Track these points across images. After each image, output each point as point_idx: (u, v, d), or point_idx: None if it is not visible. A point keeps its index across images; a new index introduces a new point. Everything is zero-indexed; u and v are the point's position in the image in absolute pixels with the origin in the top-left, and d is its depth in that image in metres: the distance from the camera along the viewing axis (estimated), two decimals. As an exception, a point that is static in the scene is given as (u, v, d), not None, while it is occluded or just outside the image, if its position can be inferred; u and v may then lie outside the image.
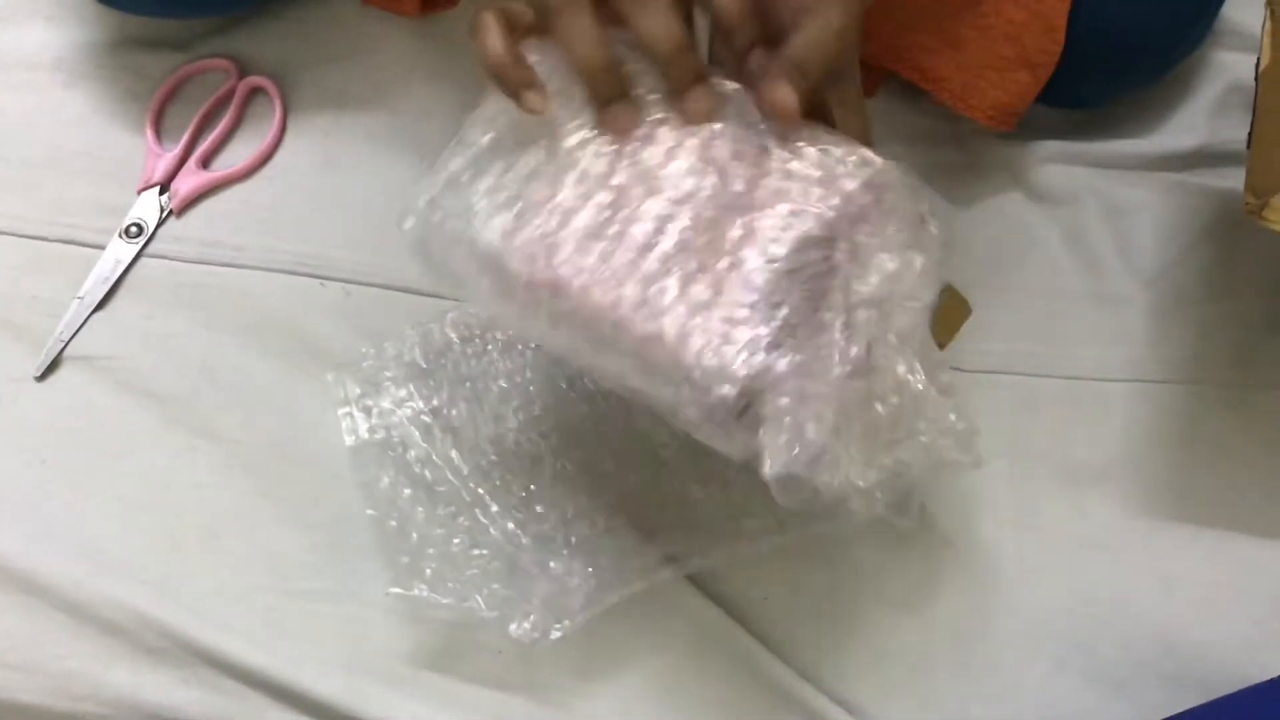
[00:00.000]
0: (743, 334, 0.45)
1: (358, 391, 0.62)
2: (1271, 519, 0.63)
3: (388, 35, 0.72)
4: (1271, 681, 0.52)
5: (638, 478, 0.61)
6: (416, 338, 0.63)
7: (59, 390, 0.64)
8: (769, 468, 0.45)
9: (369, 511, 0.59)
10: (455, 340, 0.63)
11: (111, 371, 0.64)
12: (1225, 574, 0.62)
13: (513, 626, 0.56)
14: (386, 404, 0.62)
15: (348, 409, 0.62)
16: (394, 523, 0.59)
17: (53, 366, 0.64)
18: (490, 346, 0.63)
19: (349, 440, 0.61)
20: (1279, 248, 0.53)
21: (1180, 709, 0.54)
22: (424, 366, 0.63)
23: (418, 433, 0.61)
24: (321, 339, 0.65)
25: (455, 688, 0.58)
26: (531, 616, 0.56)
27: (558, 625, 0.56)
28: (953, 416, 0.53)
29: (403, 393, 0.62)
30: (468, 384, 0.62)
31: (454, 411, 0.62)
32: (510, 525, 0.59)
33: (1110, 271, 0.69)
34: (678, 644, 0.59)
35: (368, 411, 0.62)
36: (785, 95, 0.46)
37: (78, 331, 0.65)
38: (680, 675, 0.59)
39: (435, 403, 0.62)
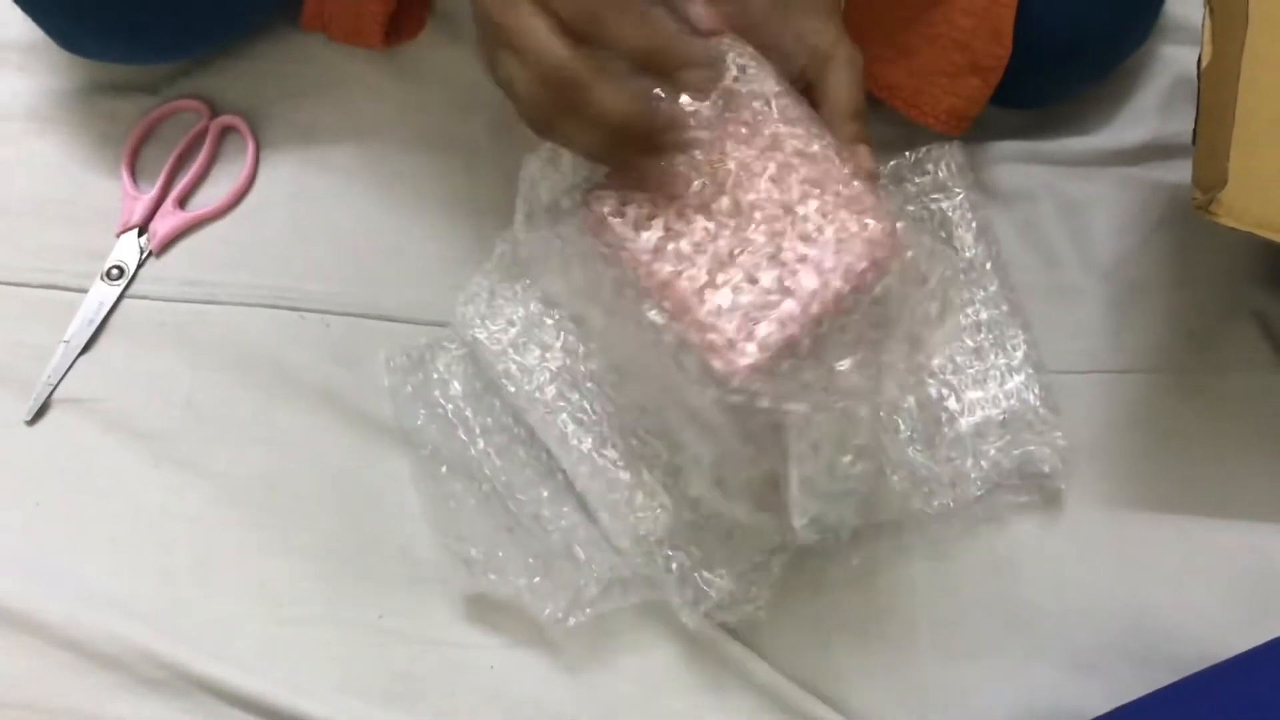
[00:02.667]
0: (764, 329, 0.46)
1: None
2: (1232, 500, 0.65)
3: (354, 69, 0.73)
4: (1237, 658, 0.53)
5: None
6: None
7: (49, 433, 0.65)
8: (797, 519, 0.48)
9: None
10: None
11: (99, 413, 0.65)
12: (1190, 556, 0.64)
13: (547, 610, 0.57)
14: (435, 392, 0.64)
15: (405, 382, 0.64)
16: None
17: (42, 410, 0.65)
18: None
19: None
20: (1229, 237, 0.54)
21: (1151, 688, 0.56)
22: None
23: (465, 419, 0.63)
24: (303, 370, 0.66)
25: (449, 705, 0.60)
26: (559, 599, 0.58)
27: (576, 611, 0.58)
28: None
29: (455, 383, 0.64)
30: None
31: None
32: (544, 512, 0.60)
33: (1067, 266, 0.71)
34: (665, 651, 0.61)
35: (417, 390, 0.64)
36: (867, 160, 0.50)
37: (65, 375, 0.66)
38: (668, 681, 0.60)
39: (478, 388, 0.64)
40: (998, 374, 0.65)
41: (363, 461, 0.64)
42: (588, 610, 0.58)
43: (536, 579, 0.57)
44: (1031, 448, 0.63)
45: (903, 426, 0.62)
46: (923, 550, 0.64)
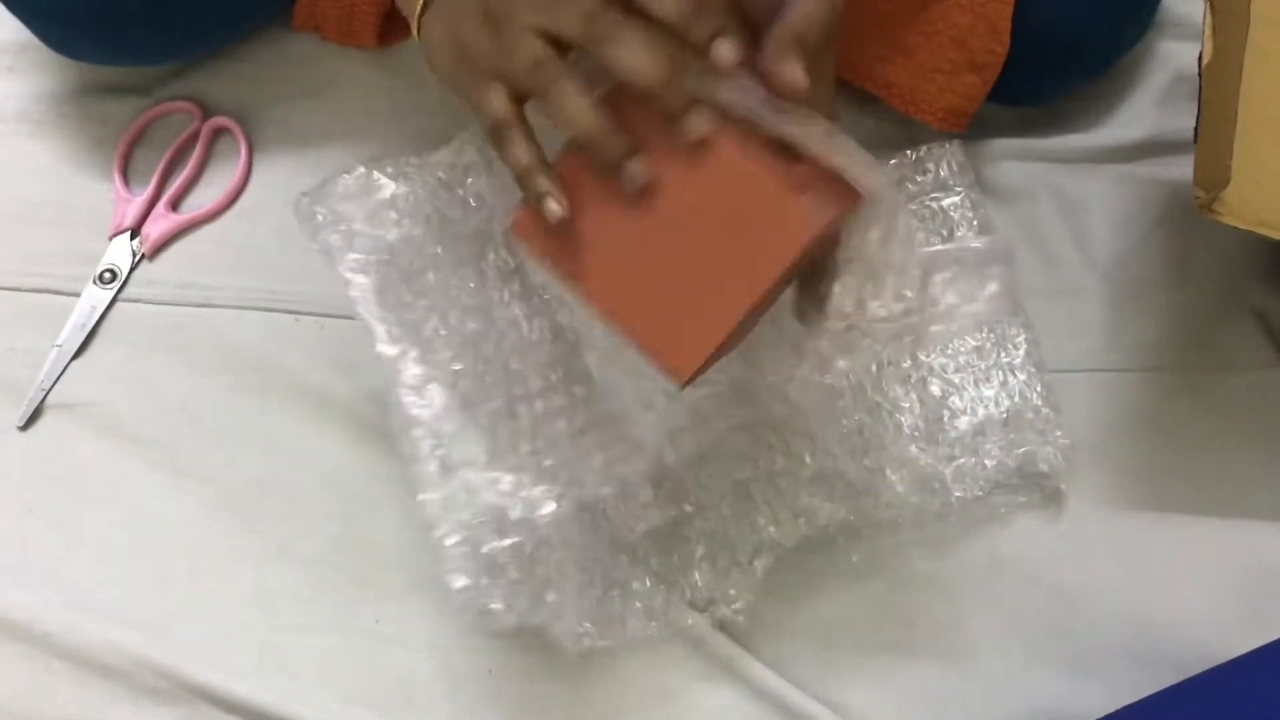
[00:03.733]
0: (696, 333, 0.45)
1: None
2: (1234, 500, 0.65)
3: (347, 69, 0.73)
4: (1239, 659, 0.53)
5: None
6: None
7: (42, 439, 0.65)
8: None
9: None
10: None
11: (93, 418, 0.65)
12: (1191, 556, 0.63)
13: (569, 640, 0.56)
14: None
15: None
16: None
17: (35, 416, 0.65)
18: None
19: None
20: (1230, 234, 0.54)
21: (1153, 690, 0.56)
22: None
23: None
24: (298, 374, 0.66)
25: (447, 710, 0.59)
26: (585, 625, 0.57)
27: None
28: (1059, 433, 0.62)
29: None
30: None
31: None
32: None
33: (1067, 264, 0.70)
34: (662, 653, 0.61)
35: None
36: (796, 74, 0.45)
37: (58, 380, 0.65)
38: (665, 684, 0.60)
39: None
40: (999, 373, 0.65)
41: (359, 465, 0.64)
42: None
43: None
44: (1033, 447, 0.63)
45: (904, 424, 0.62)
46: (922, 550, 0.63)
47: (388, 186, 0.58)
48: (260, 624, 0.61)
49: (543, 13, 0.45)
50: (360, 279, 0.57)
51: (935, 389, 0.64)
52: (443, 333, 0.57)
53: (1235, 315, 0.69)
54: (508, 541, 0.53)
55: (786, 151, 0.46)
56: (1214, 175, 0.53)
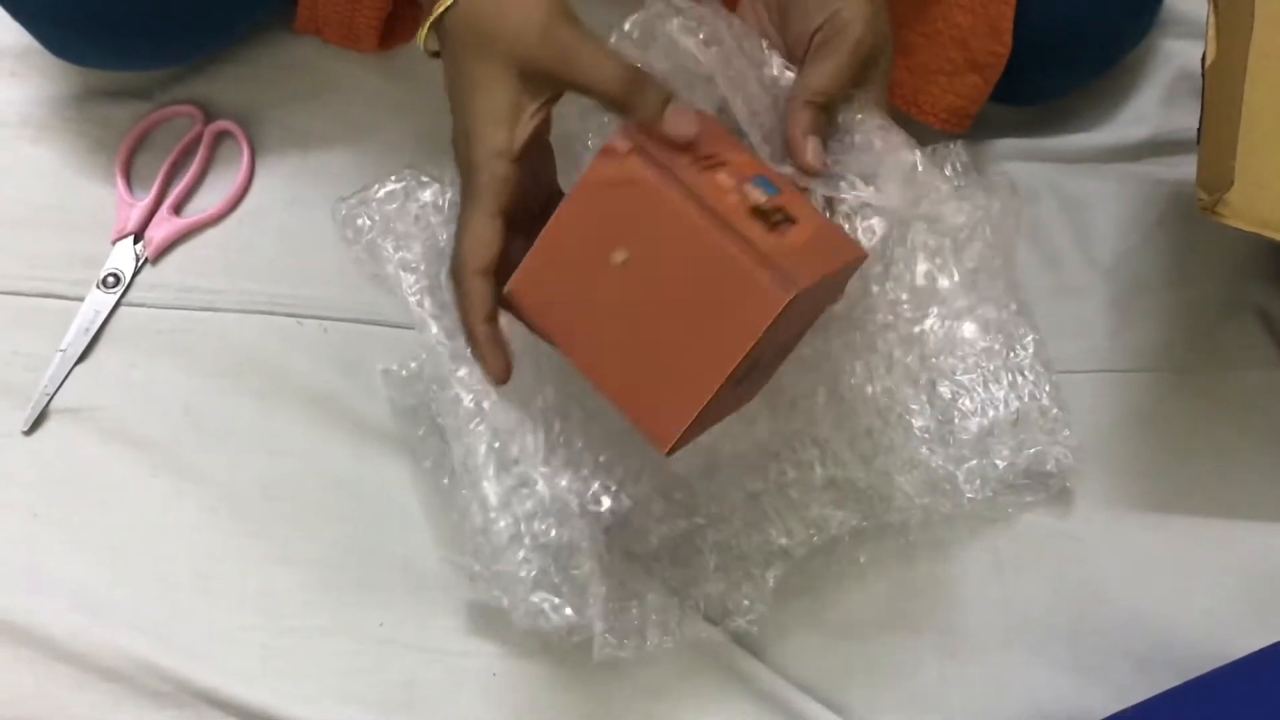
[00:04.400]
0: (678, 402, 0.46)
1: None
2: (1237, 500, 0.65)
3: (348, 72, 0.72)
4: (1242, 660, 0.53)
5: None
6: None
7: (47, 443, 0.65)
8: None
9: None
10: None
11: (97, 421, 0.65)
12: (1193, 556, 0.63)
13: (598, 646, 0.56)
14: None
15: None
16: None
17: (40, 420, 0.65)
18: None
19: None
20: (1233, 234, 0.54)
21: (1156, 690, 0.56)
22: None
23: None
24: (301, 376, 0.66)
25: (451, 714, 0.60)
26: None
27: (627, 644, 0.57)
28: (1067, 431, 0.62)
29: None
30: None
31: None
32: None
33: (1070, 264, 0.70)
34: (668, 657, 0.60)
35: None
36: (809, 156, 0.49)
37: (62, 384, 0.66)
38: (671, 688, 0.60)
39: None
40: (1008, 373, 0.64)
41: (362, 468, 0.64)
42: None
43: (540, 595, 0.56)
44: (1043, 447, 0.63)
45: (915, 426, 0.62)
46: (927, 552, 0.63)
47: (428, 188, 0.59)
48: (263, 627, 0.61)
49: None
50: (410, 278, 0.57)
51: (945, 390, 0.64)
52: None
53: (1238, 315, 0.69)
54: (566, 536, 0.53)
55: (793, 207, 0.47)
56: (1217, 176, 0.53)
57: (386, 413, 0.65)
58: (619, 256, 0.45)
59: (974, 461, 0.62)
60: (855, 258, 0.49)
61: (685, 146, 0.46)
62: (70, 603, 0.60)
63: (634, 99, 0.46)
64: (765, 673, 0.60)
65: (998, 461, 0.63)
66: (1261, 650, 0.52)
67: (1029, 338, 0.65)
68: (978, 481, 0.62)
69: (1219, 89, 0.56)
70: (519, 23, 0.46)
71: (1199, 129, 0.57)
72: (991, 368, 0.65)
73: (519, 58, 0.46)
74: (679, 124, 0.45)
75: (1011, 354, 0.65)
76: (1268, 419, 0.66)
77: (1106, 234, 0.71)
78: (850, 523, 0.60)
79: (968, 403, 0.64)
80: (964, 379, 0.64)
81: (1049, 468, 0.63)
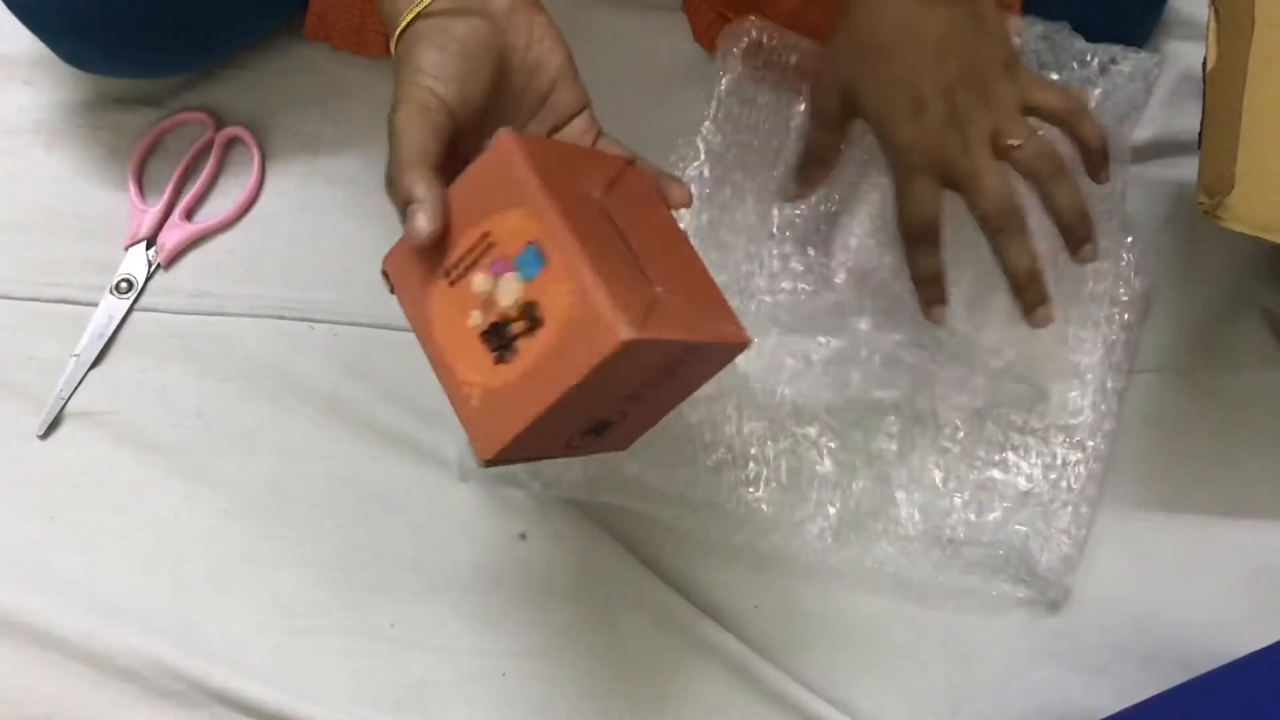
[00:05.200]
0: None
1: None
2: (1241, 499, 0.65)
3: (357, 78, 0.73)
4: (1247, 657, 0.53)
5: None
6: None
7: (62, 447, 0.66)
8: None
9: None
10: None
11: (111, 426, 0.66)
12: (1199, 554, 0.64)
13: None
14: None
15: None
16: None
17: (54, 424, 0.66)
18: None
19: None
20: (1236, 235, 0.54)
21: (1160, 688, 0.56)
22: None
23: None
24: (312, 380, 0.67)
25: (462, 714, 0.60)
26: None
27: None
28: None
29: None
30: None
31: None
32: None
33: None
34: (671, 654, 0.61)
35: None
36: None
37: (76, 389, 0.66)
38: (675, 684, 0.61)
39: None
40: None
41: (373, 470, 0.65)
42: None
43: None
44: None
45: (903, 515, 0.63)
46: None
47: None
48: (276, 627, 0.62)
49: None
50: None
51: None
52: None
53: (1242, 315, 0.69)
54: None
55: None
56: (1218, 180, 0.54)
57: (397, 415, 0.66)
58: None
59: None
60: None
61: (432, 247, 0.44)
62: (85, 604, 0.61)
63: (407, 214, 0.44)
64: (773, 673, 0.60)
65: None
66: (1265, 648, 0.53)
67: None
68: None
69: (1220, 93, 0.56)
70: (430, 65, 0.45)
71: (1200, 132, 0.58)
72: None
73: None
74: (418, 226, 0.43)
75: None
76: (1271, 419, 0.66)
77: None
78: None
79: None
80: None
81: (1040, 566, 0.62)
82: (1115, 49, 0.67)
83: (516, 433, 0.43)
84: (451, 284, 0.44)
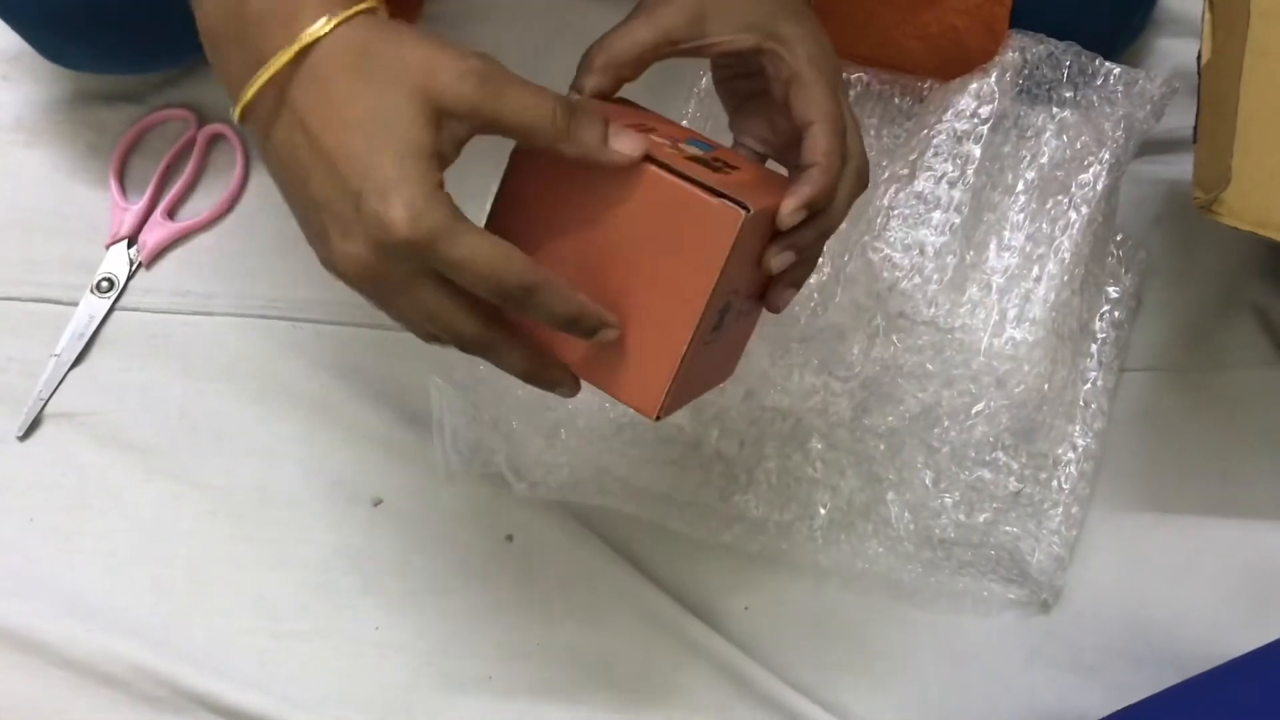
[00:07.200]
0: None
1: None
2: (1234, 498, 0.64)
3: (342, 74, 0.72)
4: (1240, 659, 0.53)
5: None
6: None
7: (42, 448, 0.65)
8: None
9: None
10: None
11: (92, 427, 0.65)
12: (1192, 555, 0.63)
13: None
14: None
15: None
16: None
17: (34, 425, 0.65)
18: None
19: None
20: (1230, 232, 0.54)
21: (1154, 690, 0.56)
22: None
23: None
24: (296, 380, 0.66)
25: (446, 717, 0.59)
26: None
27: None
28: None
29: None
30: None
31: None
32: None
33: (1066, 263, 0.70)
34: (660, 655, 0.61)
35: None
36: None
37: (56, 389, 0.65)
38: (663, 685, 0.60)
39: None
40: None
41: (357, 472, 0.64)
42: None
43: None
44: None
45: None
46: (923, 552, 0.63)
47: None
48: (260, 631, 0.61)
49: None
50: None
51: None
52: None
53: (1234, 313, 0.69)
54: None
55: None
56: (1213, 175, 0.53)
57: (381, 416, 0.65)
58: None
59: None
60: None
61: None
62: (66, 608, 0.60)
63: (575, 134, 0.40)
64: (763, 674, 0.60)
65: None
66: (1260, 649, 0.52)
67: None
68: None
69: (1215, 88, 0.55)
70: (426, 55, 0.39)
71: (1195, 128, 0.57)
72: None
73: (432, 96, 0.39)
74: (626, 147, 0.41)
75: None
76: (1265, 417, 0.66)
77: (1102, 233, 0.71)
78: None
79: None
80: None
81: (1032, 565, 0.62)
82: (1138, 72, 0.67)
83: (762, 207, 0.42)
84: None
